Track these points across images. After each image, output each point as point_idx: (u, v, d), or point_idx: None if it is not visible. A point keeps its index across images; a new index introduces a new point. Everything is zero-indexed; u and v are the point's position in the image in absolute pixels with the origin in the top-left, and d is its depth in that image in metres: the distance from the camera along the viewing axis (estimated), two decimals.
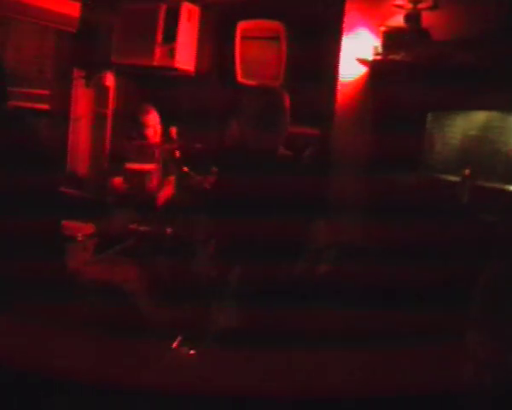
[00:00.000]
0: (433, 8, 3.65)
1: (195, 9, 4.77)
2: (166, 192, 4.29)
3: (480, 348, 2.41)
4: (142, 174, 4.29)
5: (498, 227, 2.62)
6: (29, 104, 5.08)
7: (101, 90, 5.20)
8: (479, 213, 3.37)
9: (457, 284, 2.95)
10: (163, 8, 4.66)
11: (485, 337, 2.41)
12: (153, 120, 4.40)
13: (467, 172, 3.63)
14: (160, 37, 4.67)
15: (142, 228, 4.07)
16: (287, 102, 2.93)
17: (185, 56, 4.72)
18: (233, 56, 4.52)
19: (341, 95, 3.97)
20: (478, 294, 2.53)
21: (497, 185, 3.63)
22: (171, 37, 4.65)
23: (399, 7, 3.70)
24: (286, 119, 2.95)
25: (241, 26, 4.56)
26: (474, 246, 2.84)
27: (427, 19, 3.68)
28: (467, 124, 3.88)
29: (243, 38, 4.56)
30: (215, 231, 3.19)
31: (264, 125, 2.91)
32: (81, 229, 3.89)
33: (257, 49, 4.53)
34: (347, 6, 3.97)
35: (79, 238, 3.80)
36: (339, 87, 3.98)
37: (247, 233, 2.75)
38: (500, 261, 2.46)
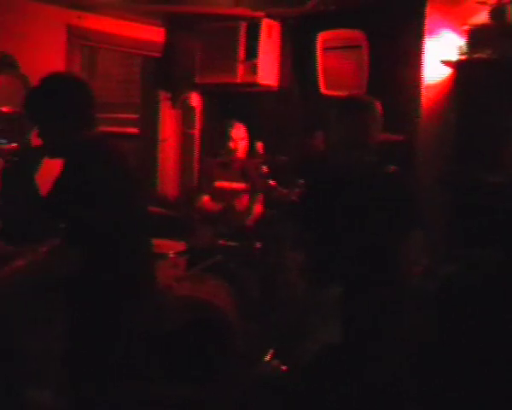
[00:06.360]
0: None
1: (276, 25, 4.80)
2: (257, 210, 4.31)
3: None
4: (231, 193, 4.35)
5: None
6: (119, 129, 5.28)
7: (188, 111, 5.33)
8: None
9: None
10: (243, 26, 4.73)
11: None
12: (239, 133, 4.44)
13: None
14: (242, 54, 4.73)
15: (231, 243, 4.11)
16: (377, 111, 2.89)
17: (267, 72, 4.76)
18: (314, 68, 4.50)
19: (426, 99, 3.87)
20: None
21: None
22: (252, 53, 4.70)
23: (482, 3, 3.58)
24: (376, 129, 2.89)
25: (322, 37, 4.53)
26: None
27: None
28: None
29: (325, 49, 4.53)
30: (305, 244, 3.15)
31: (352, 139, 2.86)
32: (173, 247, 3.99)
33: (339, 60, 4.49)
34: (428, 8, 3.88)
35: (171, 256, 3.90)
36: (423, 91, 3.88)
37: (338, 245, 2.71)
38: None
